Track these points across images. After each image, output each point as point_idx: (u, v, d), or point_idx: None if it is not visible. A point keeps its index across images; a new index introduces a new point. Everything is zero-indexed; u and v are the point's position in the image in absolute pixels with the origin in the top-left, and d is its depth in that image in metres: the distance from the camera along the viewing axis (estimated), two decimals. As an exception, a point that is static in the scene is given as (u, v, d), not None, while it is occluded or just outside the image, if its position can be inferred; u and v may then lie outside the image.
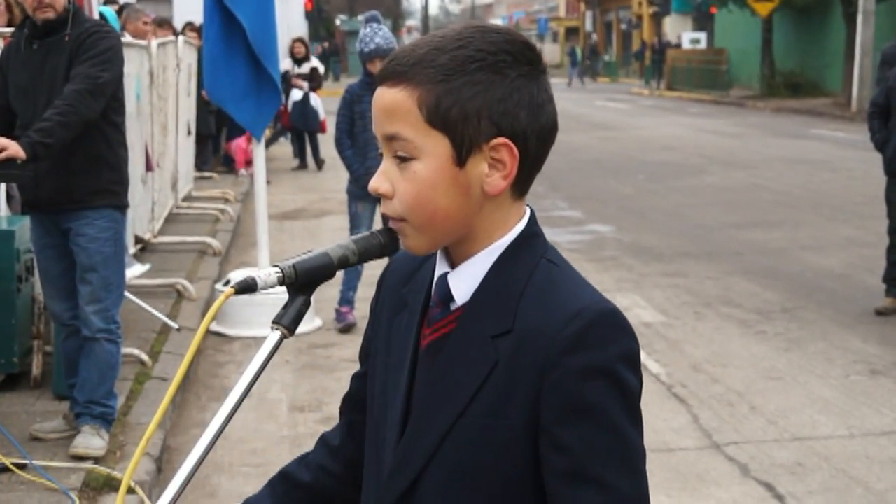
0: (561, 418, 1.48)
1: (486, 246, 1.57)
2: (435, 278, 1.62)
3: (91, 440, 4.90)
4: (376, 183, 1.56)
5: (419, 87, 1.51)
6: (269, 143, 15.94)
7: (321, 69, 17.97)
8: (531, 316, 1.52)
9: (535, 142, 1.56)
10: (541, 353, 1.49)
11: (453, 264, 1.60)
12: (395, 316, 1.69)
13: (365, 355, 1.79)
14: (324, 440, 1.87)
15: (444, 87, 1.50)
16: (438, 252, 1.63)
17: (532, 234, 1.59)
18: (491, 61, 1.52)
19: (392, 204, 1.55)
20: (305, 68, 16.80)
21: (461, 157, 1.52)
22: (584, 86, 46.63)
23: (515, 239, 1.57)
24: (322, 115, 16.62)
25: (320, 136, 17.01)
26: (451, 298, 1.59)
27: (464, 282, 1.58)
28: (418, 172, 1.52)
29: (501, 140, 1.52)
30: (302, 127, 16.84)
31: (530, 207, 1.61)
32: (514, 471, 1.52)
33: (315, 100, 16.57)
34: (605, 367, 1.48)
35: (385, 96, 1.54)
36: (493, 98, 1.51)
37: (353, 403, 1.80)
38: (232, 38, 7.31)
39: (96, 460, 4.85)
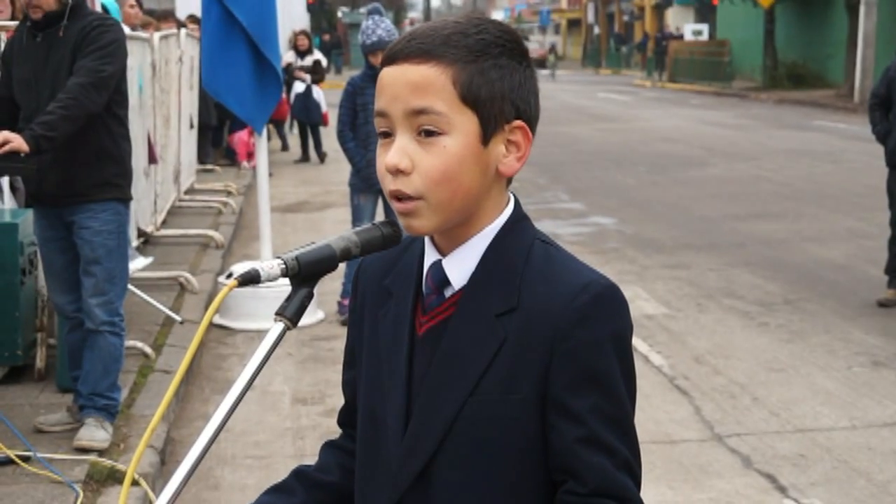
0: (572, 387, 1.54)
1: (481, 230, 1.61)
2: (426, 267, 1.65)
3: (95, 432, 4.91)
4: (395, 158, 1.55)
5: (452, 65, 1.55)
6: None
7: (324, 62, 17.95)
8: (536, 292, 1.57)
9: (534, 129, 1.63)
10: (550, 326, 1.54)
11: (442, 251, 1.63)
12: (379, 309, 1.70)
13: (351, 360, 1.80)
14: (337, 446, 1.86)
15: (476, 68, 1.56)
16: (426, 241, 1.66)
17: (521, 217, 1.65)
18: (509, 48, 1.59)
19: (410, 180, 1.55)
20: (308, 61, 16.80)
21: (486, 136, 1.57)
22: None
23: (506, 222, 1.62)
24: (324, 107, 16.62)
25: (322, 129, 17.01)
26: (446, 284, 1.62)
27: (459, 266, 1.61)
28: (448, 147, 1.55)
29: (519, 123, 1.60)
30: (304, 119, 16.84)
31: (513, 194, 1.67)
32: (528, 443, 1.57)
33: (317, 92, 16.56)
34: (612, 338, 1.55)
35: (412, 72, 1.55)
36: (514, 82, 1.59)
37: (355, 411, 1.80)
38: (231, 29, 7.28)
39: (100, 452, 4.87)
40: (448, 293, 1.62)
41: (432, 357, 1.61)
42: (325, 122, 16.80)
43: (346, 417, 1.85)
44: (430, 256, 1.64)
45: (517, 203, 1.65)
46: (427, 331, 1.63)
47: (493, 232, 1.61)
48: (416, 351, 1.64)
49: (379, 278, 1.72)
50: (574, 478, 1.54)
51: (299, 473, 1.83)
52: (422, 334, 1.64)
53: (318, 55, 17.47)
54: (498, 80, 1.57)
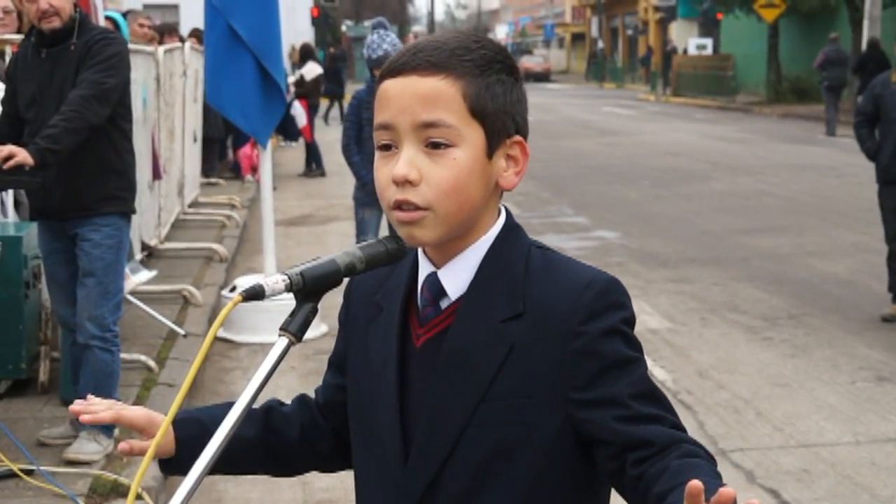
0: (596, 381, 1.54)
1: (476, 241, 1.62)
2: (420, 280, 1.65)
3: (85, 445, 4.89)
4: (405, 169, 1.55)
5: (461, 78, 1.56)
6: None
7: (309, 76, 17.87)
8: (541, 296, 1.58)
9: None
10: (560, 326, 1.56)
11: (436, 264, 1.64)
12: (370, 324, 1.71)
13: (338, 365, 1.80)
14: (309, 407, 1.85)
15: (483, 82, 1.57)
16: (419, 255, 1.66)
17: (514, 226, 1.66)
18: (507, 65, 1.62)
19: (419, 191, 1.56)
20: (297, 75, 16.87)
21: (491, 149, 1.59)
22: None
23: (500, 232, 1.64)
24: (303, 122, 16.65)
25: (322, 143, 17.01)
26: (443, 295, 1.63)
27: (456, 277, 1.62)
28: (458, 159, 1.56)
29: (518, 138, 1.62)
30: (283, 135, 16.85)
31: (504, 206, 1.69)
32: (542, 446, 1.57)
33: (296, 107, 16.55)
34: (620, 329, 1.57)
35: (422, 84, 1.56)
36: (514, 98, 1.61)
37: (329, 409, 1.82)
38: (235, 44, 7.28)
39: (104, 466, 4.86)
40: (444, 304, 1.63)
41: (433, 367, 1.61)
42: (307, 137, 16.81)
43: (320, 400, 1.85)
44: (425, 269, 1.65)
45: (508, 213, 1.67)
46: (425, 342, 1.64)
47: (488, 242, 1.63)
48: (414, 363, 1.64)
49: (370, 294, 1.73)
50: (637, 448, 1.52)
51: (269, 410, 1.81)
52: (420, 346, 1.64)
53: (308, 69, 17.44)
54: (501, 95, 1.59)
